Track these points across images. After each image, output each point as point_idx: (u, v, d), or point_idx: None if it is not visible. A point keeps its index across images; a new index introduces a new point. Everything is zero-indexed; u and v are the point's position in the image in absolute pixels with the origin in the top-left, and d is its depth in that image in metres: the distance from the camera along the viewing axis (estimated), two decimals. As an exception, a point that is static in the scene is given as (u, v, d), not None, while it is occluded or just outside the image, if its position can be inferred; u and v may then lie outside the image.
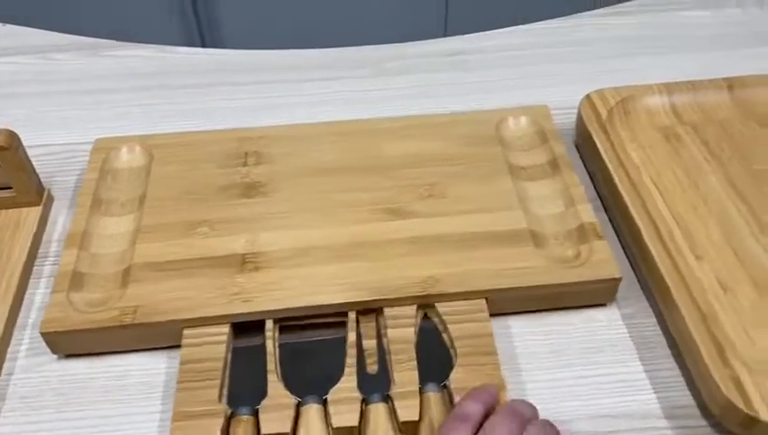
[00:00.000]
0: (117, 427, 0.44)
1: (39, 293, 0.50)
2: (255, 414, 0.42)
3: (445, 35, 0.74)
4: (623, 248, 0.53)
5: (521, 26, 0.74)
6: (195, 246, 0.50)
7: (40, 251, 0.53)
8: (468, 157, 0.56)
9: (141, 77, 0.69)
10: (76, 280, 0.48)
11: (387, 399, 0.43)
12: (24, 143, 0.52)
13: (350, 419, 0.42)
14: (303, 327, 0.47)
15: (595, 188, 0.57)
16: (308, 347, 0.46)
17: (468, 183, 0.54)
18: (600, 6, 0.77)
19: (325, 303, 0.46)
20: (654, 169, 0.54)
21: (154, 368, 0.46)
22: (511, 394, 0.44)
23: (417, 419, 0.42)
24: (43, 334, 0.45)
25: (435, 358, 0.45)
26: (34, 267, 0.52)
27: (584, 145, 0.59)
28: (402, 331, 0.46)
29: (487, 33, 0.73)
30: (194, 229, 0.51)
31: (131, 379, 0.46)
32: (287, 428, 0.41)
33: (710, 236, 0.50)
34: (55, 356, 0.47)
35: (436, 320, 0.47)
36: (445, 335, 0.46)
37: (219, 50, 0.72)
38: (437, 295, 0.46)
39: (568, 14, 0.76)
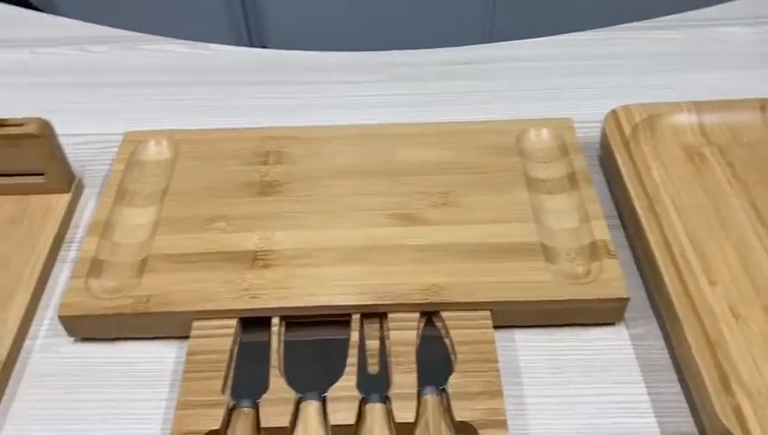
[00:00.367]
0: (124, 411, 0.45)
1: (63, 277, 0.53)
2: (256, 407, 0.44)
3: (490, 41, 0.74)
4: (638, 269, 0.52)
5: (552, 37, 0.73)
6: (210, 240, 0.51)
7: (67, 237, 0.55)
8: (486, 166, 0.56)
9: (174, 72, 0.71)
10: (95, 267, 0.50)
11: (385, 399, 0.44)
12: (61, 132, 0.55)
13: (348, 417, 0.43)
14: (309, 325, 0.48)
15: (616, 206, 0.56)
16: (311, 345, 0.47)
17: (483, 193, 0.54)
18: (641, 19, 0.76)
19: (330, 304, 0.47)
20: (674, 188, 0.53)
21: (164, 356, 0.48)
22: (509, 407, 0.44)
23: (412, 420, 0.42)
24: (61, 318, 0.47)
25: (435, 362, 0.46)
26: (60, 252, 0.54)
27: (607, 161, 0.58)
28: (404, 334, 0.46)
29: (516, 42, 0.73)
30: (211, 224, 0.52)
31: (141, 366, 0.48)
32: (286, 422, 0.43)
33: (726, 261, 0.49)
34: (72, 339, 0.49)
35: (438, 324, 0.47)
36: (446, 340, 0.46)
37: (250, 49, 0.73)
38: (441, 304, 0.47)
39: (613, 25, 0.75)
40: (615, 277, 0.48)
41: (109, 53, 0.73)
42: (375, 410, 0.43)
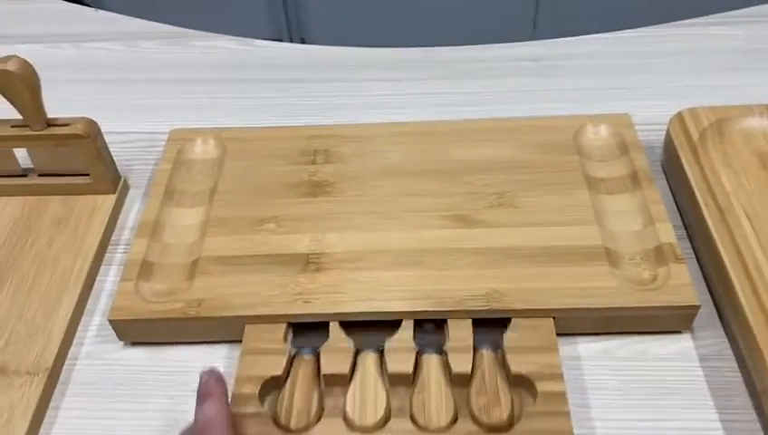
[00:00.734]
0: (170, 421, 0.44)
1: (109, 280, 0.52)
2: (317, 356, 0.45)
3: (533, 39, 0.71)
4: (705, 282, 0.49)
5: (609, 33, 0.70)
6: (261, 242, 0.50)
7: (113, 238, 0.54)
8: (543, 165, 0.54)
9: (222, 69, 0.70)
10: (145, 269, 0.49)
11: (441, 353, 0.44)
12: (106, 129, 0.54)
13: (405, 366, 0.43)
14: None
15: (681, 215, 0.53)
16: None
17: (541, 193, 0.52)
18: (698, 15, 0.72)
19: (386, 310, 0.45)
20: (746, 197, 0.50)
21: (214, 362, 0.47)
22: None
23: (468, 371, 0.43)
24: (111, 322, 0.46)
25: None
26: (106, 254, 0.53)
27: (671, 167, 0.55)
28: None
29: (571, 39, 0.70)
30: (261, 225, 0.51)
31: (190, 374, 0.46)
32: (345, 370, 0.44)
33: None
34: (120, 344, 0.48)
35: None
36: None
37: (297, 45, 0.72)
38: (501, 311, 0.45)
39: (671, 21, 0.71)
40: (684, 283, 0.45)
41: (153, 50, 0.73)
42: (431, 360, 0.44)
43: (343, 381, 0.43)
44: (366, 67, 0.69)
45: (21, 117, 0.51)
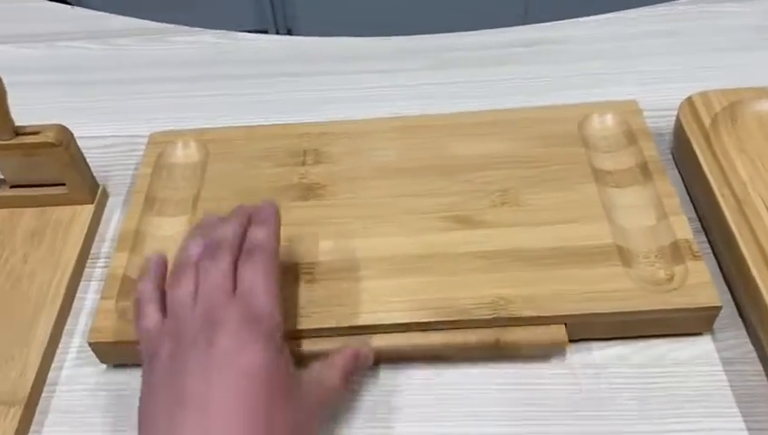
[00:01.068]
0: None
1: (89, 296, 0.48)
2: None
3: (524, 23, 0.67)
4: (724, 279, 0.46)
5: (609, 14, 0.66)
6: (249, 251, 0.47)
7: (92, 251, 0.51)
8: (547, 158, 0.51)
9: (204, 66, 0.66)
10: (126, 286, 0.46)
11: None
12: (82, 134, 0.50)
13: None
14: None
15: (694, 206, 0.50)
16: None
17: (546, 189, 0.49)
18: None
19: (385, 322, 0.42)
20: (765, 186, 0.47)
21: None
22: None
23: None
24: (91, 344, 0.43)
25: None
26: (86, 269, 0.50)
27: (682, 156, 0.52)
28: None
29: (569, 21, 0.66)
30: (248, 233, 0.48)
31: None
32: None
33: None
34: (102, 367, 0.45)
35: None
36: None
37: (282, 37, 0.69)
38: (508, 319, 0.42)
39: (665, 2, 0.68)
40: (703, 282, 0.42)
41: (132, 48, 0.69)
42: None
43: None
44: (355, 59, 0.65)
45: (-14, 126, 0.47)
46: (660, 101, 0.54)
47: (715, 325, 0.43)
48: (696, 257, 0.44)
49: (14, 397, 0.42)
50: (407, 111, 0.56)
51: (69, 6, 0.78)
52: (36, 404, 0.43)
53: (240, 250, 0.39)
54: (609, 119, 0.53)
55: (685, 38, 0.64)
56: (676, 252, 0.44)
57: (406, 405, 0.42)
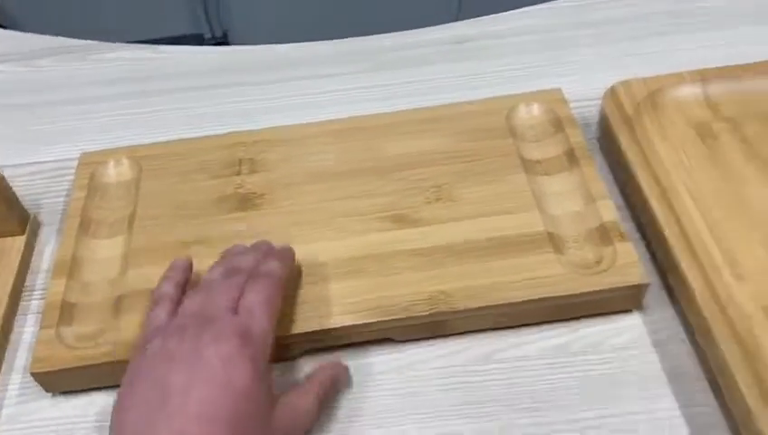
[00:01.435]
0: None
1: (27, 330, 0.47)
2: None
3: (458, 20, 0.68)
4: (654, 263, 0.47)
5: (534, 6, 0.67)
6: (189, 267, 0.47)
7: (26, 284, 0.50)
8: (477, 152, 0.52)
9: (132, 82, 0.64)
10: (66, 312, 0.45)
11: None
12: (6, 163, 0.49)
13: None
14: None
15: (621, 193, 0.51)
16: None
17: (478, 182, 0.50)
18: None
19: (326, 327, 0.43)
20: (687, 173, 0.48)
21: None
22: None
23: None
24: (34, 375, 0.43)
25: None
26: (21, 302, 0.49)
27: (608, 143, 0.53)
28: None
29: (495, 16, 0.67)
30: (188, 249, 0.48)
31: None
32: None
33: (753, 252, 0.44)
34: (48, 401, 0.44)
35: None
36: None
37: (210, 48, 0.67)
38: (447, 313, 0.43)
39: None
40: (631, 262, 0.44)
41: (53, 68, 0.67)
42: None
43: None
44: (287, 66, 0.65)
45: None
46: (586, 92, 0.56)
47: (647, 307, 0.45)
48: (623, 238, 0.45)
49: (-47, 443, 0.41)
50: (338, 115, 0.56)
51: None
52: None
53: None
54: (536, 108, 0.55)
55: (607, 27, 0.65)
56: (605, 234, 0.46)
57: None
